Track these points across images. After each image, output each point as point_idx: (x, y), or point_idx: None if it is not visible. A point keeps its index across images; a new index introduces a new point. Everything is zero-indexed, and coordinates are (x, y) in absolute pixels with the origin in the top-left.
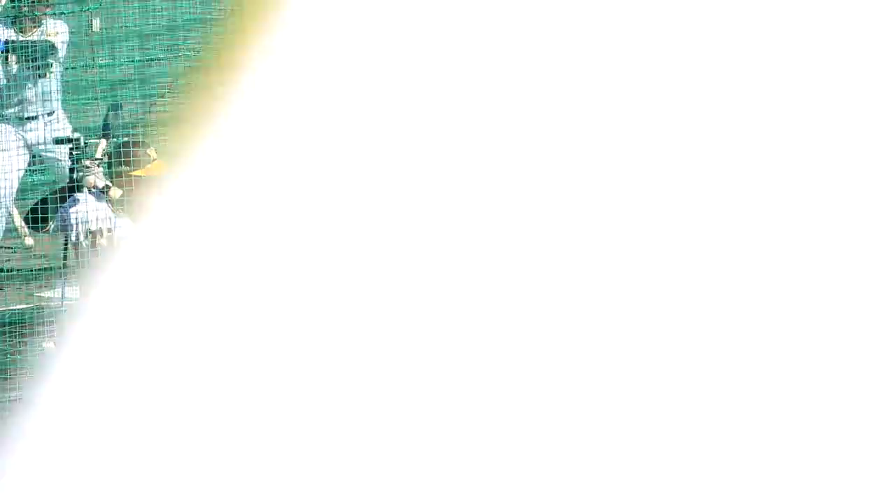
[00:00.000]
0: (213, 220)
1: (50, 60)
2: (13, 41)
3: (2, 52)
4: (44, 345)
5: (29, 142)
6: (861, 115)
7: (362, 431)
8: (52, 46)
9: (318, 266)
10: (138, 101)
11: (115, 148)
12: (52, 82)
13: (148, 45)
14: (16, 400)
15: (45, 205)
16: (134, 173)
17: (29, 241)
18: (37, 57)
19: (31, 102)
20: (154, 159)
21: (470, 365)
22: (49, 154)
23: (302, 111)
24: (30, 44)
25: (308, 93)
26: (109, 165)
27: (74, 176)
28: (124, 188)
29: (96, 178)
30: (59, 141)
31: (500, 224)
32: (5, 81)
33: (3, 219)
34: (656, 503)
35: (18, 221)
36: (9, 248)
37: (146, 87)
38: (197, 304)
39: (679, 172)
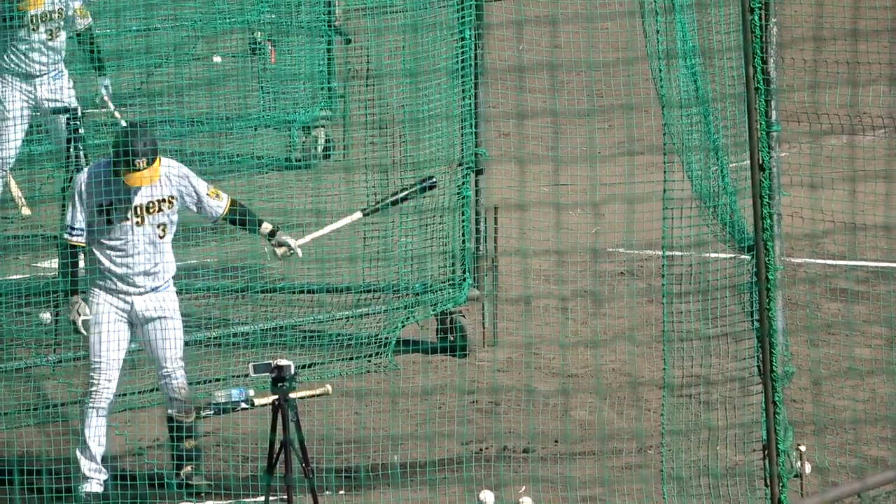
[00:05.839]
0: None
1: (60, 23)
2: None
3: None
4: (41, 315)
5: (37, 97)
6: None
7: None
8: (60, 12)
9: None
10: (136, 70)
11: None
12: (58, 45)
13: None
14: (14, 370)
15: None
16: None
17: (26, 210)
18: (49, 21)
19: (39, 62)
20: None
21: None
22: (50, 124)
23: None
24: (41, 11)
25: None
26: None
27: (71, 147)
28: None
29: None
30: (56, 111)
31: None
32: (19, 43)
33: (1, 188)
34: None
35: (16, 191)
36: (6, 218)
37: (146, 57)
38: None
39: None
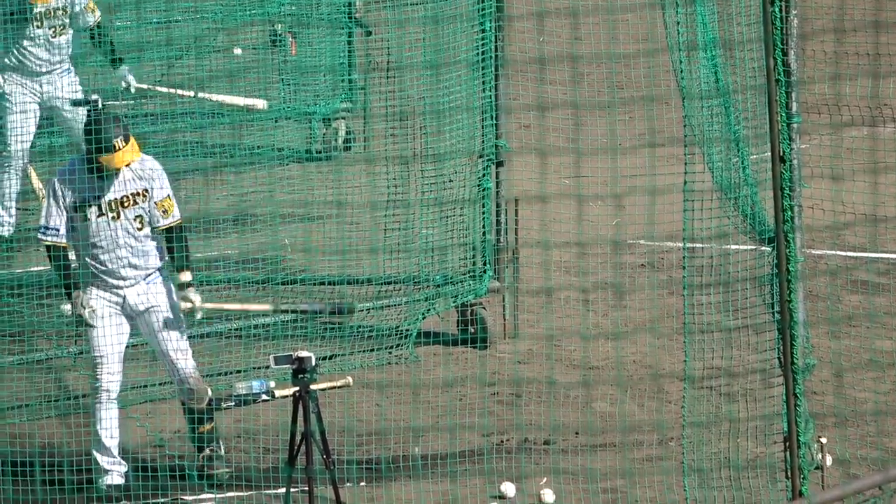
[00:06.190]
0: None
1: (65, 21)
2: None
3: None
4: (62, 307)
5: (42, 93)
6: None
7: None
8: (65, 10)
9: None
10: (156, 62)
11: None
12: (62, 42)
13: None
14: (35, 361)
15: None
16: None
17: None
18: (55, 18)
19: (43, 59)
20: None
21: None
22: (67, 114)
23: None
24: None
25: None
26: None
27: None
28: None
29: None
30: (75, 103)
31: None
32: (23, 39)
33: (19, 180)
34: None
35: (37, 183)
36: (26, 209)
37: (167, 49)
38: None
39: None
